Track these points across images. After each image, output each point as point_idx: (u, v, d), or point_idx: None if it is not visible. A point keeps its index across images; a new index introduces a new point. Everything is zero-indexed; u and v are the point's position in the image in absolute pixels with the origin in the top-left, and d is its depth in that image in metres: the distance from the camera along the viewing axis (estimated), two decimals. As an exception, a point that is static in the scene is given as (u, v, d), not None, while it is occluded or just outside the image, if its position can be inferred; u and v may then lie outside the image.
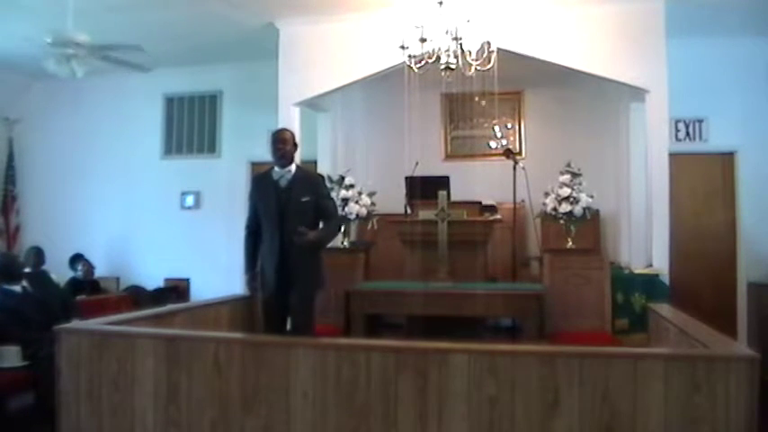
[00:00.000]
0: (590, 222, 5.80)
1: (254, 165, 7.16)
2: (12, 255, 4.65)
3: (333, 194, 5.74)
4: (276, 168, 3.94)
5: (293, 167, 3.97)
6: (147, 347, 2.91)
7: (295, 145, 4.04)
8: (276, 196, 3.90)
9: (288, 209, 3.86)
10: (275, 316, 3.91)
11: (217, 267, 7.24)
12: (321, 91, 6.16)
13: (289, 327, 3.96)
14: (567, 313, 4.89)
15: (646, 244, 5.65)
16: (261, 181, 4.05)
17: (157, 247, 7.66)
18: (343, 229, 5.85)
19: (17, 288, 4.54)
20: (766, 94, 6.28)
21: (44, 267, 6.24)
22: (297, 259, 3.84)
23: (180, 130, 7.89)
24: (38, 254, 6.48)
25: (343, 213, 5.73)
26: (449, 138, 7.70)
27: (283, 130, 4.08)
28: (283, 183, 3.91)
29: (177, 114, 7.91)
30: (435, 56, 4.65)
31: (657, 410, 2.36)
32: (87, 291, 6.36)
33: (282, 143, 3.92)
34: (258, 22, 6.12)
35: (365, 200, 5.83)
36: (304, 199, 3.87)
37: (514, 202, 5.82)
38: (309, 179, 4.04)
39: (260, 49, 6.48)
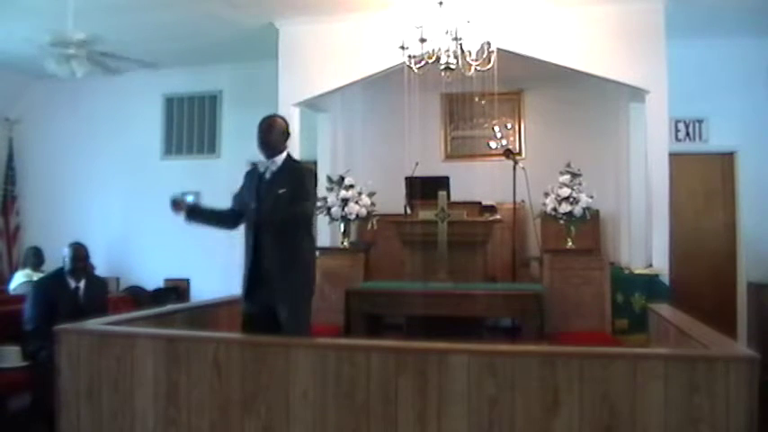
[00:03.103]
0: (590, 222, 5.80)
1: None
2: (83, 250, 4.61)
3: (332, 195, 5.76)
4: (263, 159, 3.60)
5: (280, 159, 3.58)
6: (147, 348, 2.91)
7: (284, 134, 3.63)
8: (257, 188, 3.55)
9: (265, 203, 3.48)
10: (257, 329, 3.41)
11: (217, 267, 7.23)
12: (321, 91, 6.16)
13: None
14: (566, 313, 4.89)
15: (646, 244, 5.65)
16: (250, 171, 3.72)
17: (157, 247, 7.65)
18: (343, 228, 5.85)
19: (72, 284, 4.56)
20: (766, 94, 6.28)
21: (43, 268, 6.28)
22: (276, 263, 3.42)
23: (180, 131, 7.89)
24: (36, 254, 6.48)
25: (343, 214, 5.72)
26: (449, 138, 7.70)
27: (268, 117, 3.70)
28: (268, 175, 3.57)
29: (177, 114, 7.91)
30: (435, 56, 4.66)
31: (657, 411, 2.36)
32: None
33: (265, 131, 3.57)
34: (258, 22, 6.12)
35: (365, 200, 5.83)
36: (281, 191, 3.46)
37: (514, 203, 5.82)
38: (293, 171, 3.59)
39: (260, 49, 6.48)
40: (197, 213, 3.67)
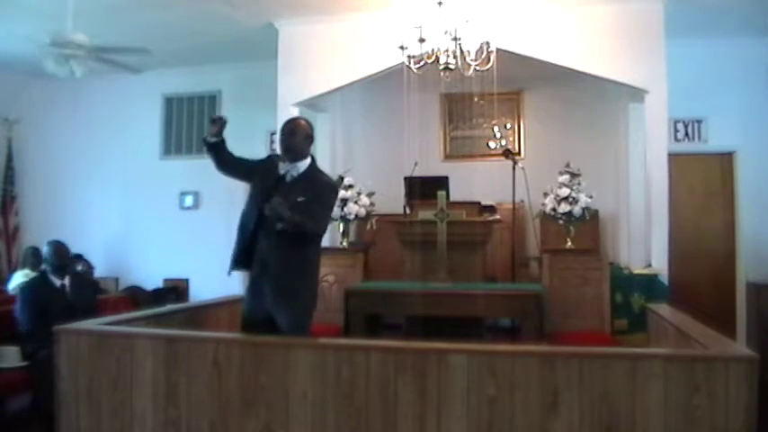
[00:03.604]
0: (589, 222, 5.80)
1: (276, 158, 7.15)
2: (65, 247, 4.64)
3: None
4: (286, 161, 3.39)
5: (304, 165, 3.39)
6: (146, 348, 2.91)
7: (308, 138, 3.43)
8: (274, 189, 3.31)
9: None
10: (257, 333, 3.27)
11: (216, 268, 7.18)
12: (320, 91, 6.16)
13: None
14: (566, 313, 4.90)
15: (645, 244, 5.65)
16: (271, 163, 3.47)
17: (156, 247, 7.66)
18: (342, 228, 5.85)
19: (57, 282, 4.56)
20: (766, 94, 6.29)
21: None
22: (280, 269, 3.27)
23: (179, 131, 7.89)
24: (35, 254, 6.47)
25: (342, 214, 5.72)
26: (448, 138, 7.70)
27: (291, 120, 3.53)
28: (288, 179, 3.38)
29: (176, 114, 7.91)
30: (434, 56, 4.66)
31: (657, 411, 2.36)
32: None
33: (287, 135, 3.38)
34: (257, 22, 6.12)
35: (364, 200, 5.82)
36: (300, 199, 3.26)
37: (513, 203, 5.82)
38: (315, 180, 3.41)
39: (259, 49, 6.48)
40: (221, 146, 3.48)
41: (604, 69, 5.54)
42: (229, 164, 3.55)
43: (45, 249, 4.66)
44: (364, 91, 7.24)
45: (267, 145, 7.11)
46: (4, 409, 4.21)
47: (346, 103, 7.45)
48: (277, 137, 3.59)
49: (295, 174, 3.38)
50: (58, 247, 4.63)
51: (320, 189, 3.39)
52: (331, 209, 3.63)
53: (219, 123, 3.43)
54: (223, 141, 3.48)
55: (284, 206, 3.12)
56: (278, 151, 3.50)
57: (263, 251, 3.32)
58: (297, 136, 3.39)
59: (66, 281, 4.61)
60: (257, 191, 3.44)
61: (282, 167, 3.40)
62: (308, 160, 3.44)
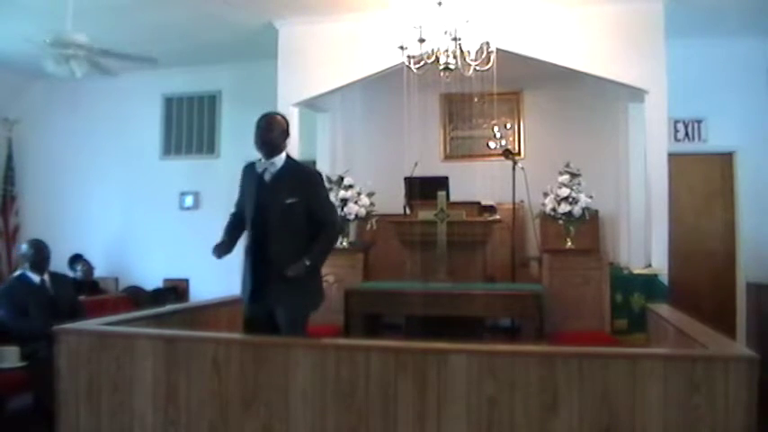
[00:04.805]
0: (589, 223, 5.80)
1: (251, 164, 7.16)
2: (43, 244, 4.68)
3: (331, 195, 5.73)
4: (261, 159, 3.40)
5: (280, 160, 3.38)
6: (146, 348, 2.91)
7: (285, 133, 3.44)
8: (257, 192, 3.37)
9: (269, 211, 3.32)
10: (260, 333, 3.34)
11: (216, 268, 7.17)
12: (320, 91, 6.16)
13: None
14: (566, 313, 4.90)
15: (645, 244, 5.65)
16: (248, 170, 3.51)
17: (156, 247, 7.65)
18: (344, 230, 5.84)
19: (36, 278, 4.57)
20: (766, 94, 6.29)
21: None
22: (282, 273, 3.27)
23: (179, 131, 7.89)
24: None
25: (342, 214, 5.71)
26: (448, 138, 7.70)
27: (268, 115, 3.50)
28: (267, 177, 3.38)
29: (176, 114, 7.91)
30: (434, 56, 4.66)
31: (656, 411, 2.36)
32: (86, 291, 6.35)
33: (264, 129, 3.37)
34: (257, 22, 6.12)
35: (364, 200, 5.82)
36: (290, 201, 3.29)
37: (513, 203, 5.82)
38: (299, 175, 3.41)
39: (259, 49, 6.48)
40: (229, 246, 3.61)
41: (604, 69, 5.54)
42: (242, 228, 3.59)
43: (24, 247, 4.73)
44: (364, 91, 7.24)
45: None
46: (4, 408, 4.21)
47: (346, 103, 7.45)
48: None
49: (273, 171, 3.39)
50: (37, 244, 4.68)
51: (308, 182, 3.43)
52: (328, 195, 3.72)
53: (224, 249, 3.55)
54: (225, 242, 3.58)
55: (304, 265, 3.27)
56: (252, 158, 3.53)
57: (270, 255, 3.34)
58: (274, 131, 3.40)
59: (47, 277, 4.64)
60: (246, 198, 3.51)
61: (259, 165, 3.42)
62: (284, 155, 3.44)
